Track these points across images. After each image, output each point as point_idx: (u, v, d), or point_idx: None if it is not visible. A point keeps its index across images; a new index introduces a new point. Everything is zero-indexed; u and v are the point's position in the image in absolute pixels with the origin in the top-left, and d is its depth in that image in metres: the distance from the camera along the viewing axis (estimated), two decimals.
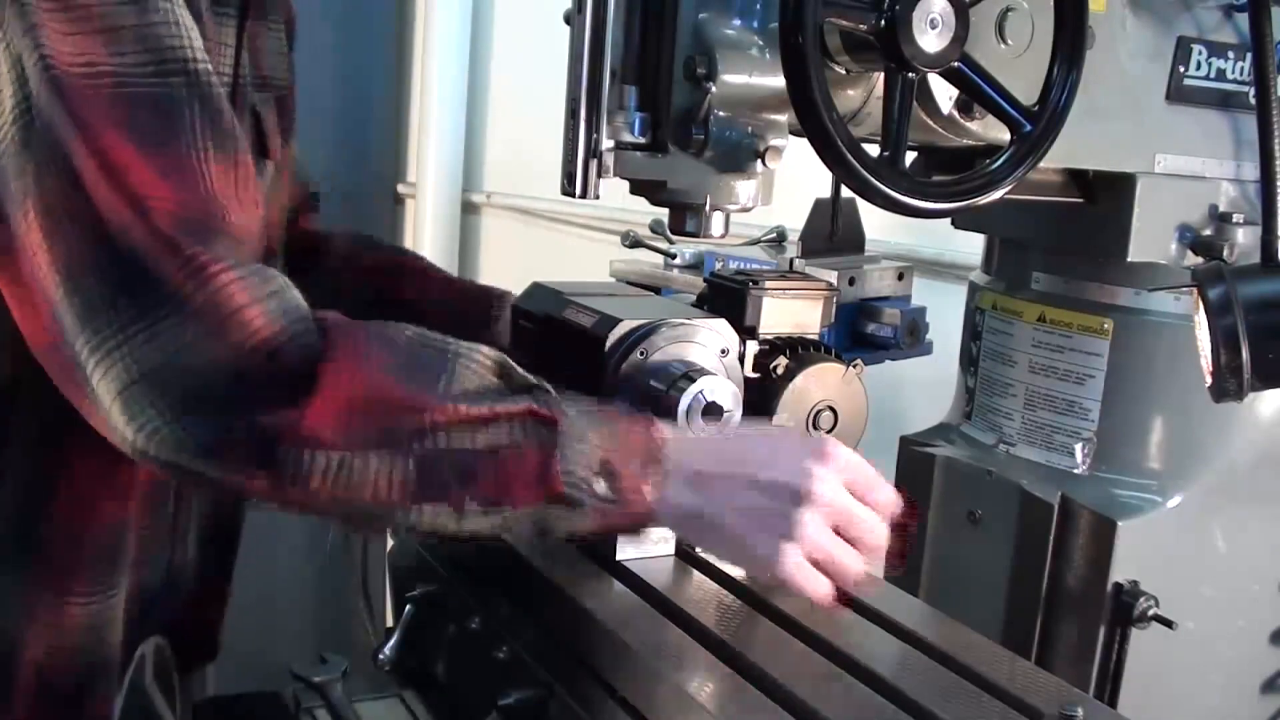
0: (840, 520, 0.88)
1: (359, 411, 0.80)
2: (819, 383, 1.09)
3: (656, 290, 1.51)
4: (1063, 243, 1.23)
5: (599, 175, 0.99)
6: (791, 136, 1.03)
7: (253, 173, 0.89)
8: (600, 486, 0.84)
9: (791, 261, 1.31)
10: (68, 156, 0.81)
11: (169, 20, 0.84)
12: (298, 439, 0.80)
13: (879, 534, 0.89)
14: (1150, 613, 1.13)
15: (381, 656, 1.18)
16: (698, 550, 1.03)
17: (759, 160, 1.02)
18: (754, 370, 1.09)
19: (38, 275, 0.82)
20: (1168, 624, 1.13)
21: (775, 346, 1.10)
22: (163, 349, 0.79)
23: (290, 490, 0.81)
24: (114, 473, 0.98)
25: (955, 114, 1.03)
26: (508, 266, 3.25)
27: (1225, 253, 1.12)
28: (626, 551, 1.05)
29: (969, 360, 1.35)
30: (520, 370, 0.87)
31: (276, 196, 1.14)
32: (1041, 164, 0.99)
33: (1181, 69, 1.11)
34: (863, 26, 0.92)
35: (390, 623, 1.20)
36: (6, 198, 0.83)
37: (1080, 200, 1.17)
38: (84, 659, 1.00)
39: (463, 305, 1.31)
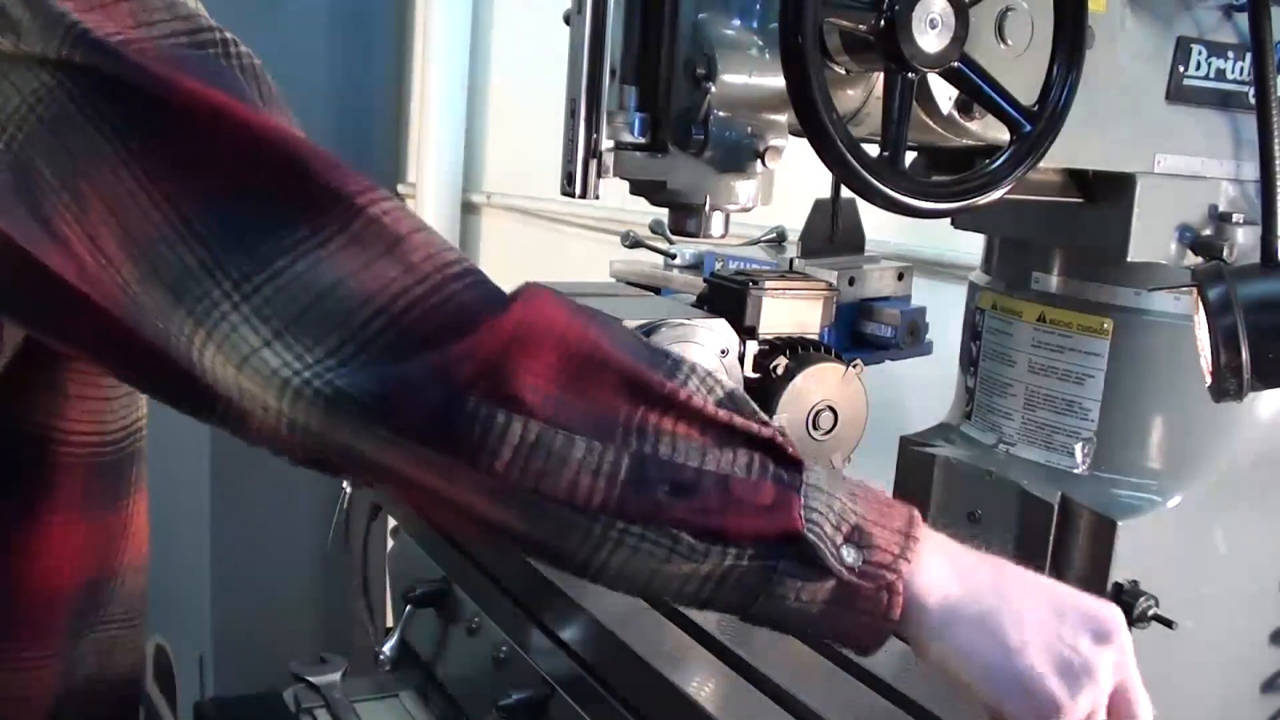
0: (1121, 696, 0.71)
1: (570, 371, 0.63)
2: (819, 383, 1.09)
3: (656, 290, 1.51)
4: (1062, 243, 1.23)
5: (599, 175, 0.99)
6: (791, 136, 1.03)
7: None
8: (849, 554, 0.65)
9: (791, 262, 1.31)
10: (150, 105, 0.66)
11: None
12: (492, 390, 0.62)
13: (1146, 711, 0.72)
14: (1150, 613, 1.13)
15: (382, 656, 1.18)
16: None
17: (759, 160, 1.02)
18: (754, 370, 1.09)
19: (107, 250, 0.66)
20: (1168, 624, 1.13)
21: (775, 346, 1.10)
22: (314, 283, 0.63)
23: (471, 470, 0.62)
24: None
25: (955, 114, 1.03)
26: (507, 267, 3.25)
27: (1225, 253, 1.12)
28: None
29: (969, 360, 1.35)
30: (751, 401, 0.70)
31: None
32: (1041, 164, 0.99)
33: (1181, 69, 1.11)
34: (862, 26, 0.92)
35: (390, 623, 1.20)
36: (39, 188, 0.67)
37: (1080, 200, 1.17)
38: None
39: None
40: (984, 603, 0.68)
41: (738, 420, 0.66)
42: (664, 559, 0.64)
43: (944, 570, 0.68)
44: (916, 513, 0.69)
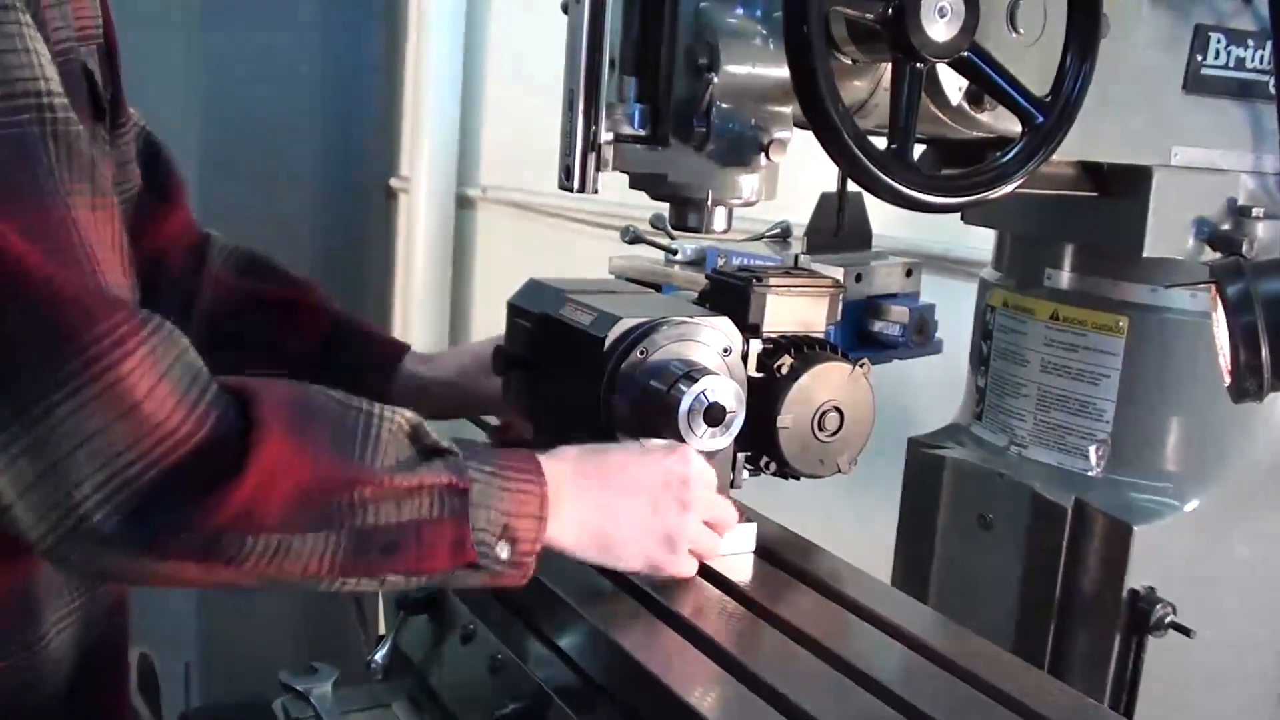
0: (708, 515, 1.01)
1: (304, 493, 0.82)
2: (825, 382, 1.09)
3: (657, 287, 1.51)
4: (1076, 238, 1.23)
5: (597, 169, 0.99)
6: (796, 129, 1.03)
7: (116, 212, 0.86)
8: (503, 551, 0.90)
9: (796, 258, 1.31)
10: None
11: (18, 48, 0.78)
12: (241, 525, 0.80)
13: (730, 516, 1.04)
14: (1167, 620, 1.13)
15: (374, 665, 1.18)
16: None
17: (763, 153, 1.02)
18: (757, 370, 1.09)
19: None
20: (1185, 632, 1.13)
21: (779, 345, 1.10)
22: (66, 440, 0.77)
23: (222, 573, 0.82)
24: None
25: (965, 105, 1.03)
26: (503, 263, 3.25)
27: (1244, 248, 1.12)
28: None
29: (979, 359, 1.35)
30: (431, 433, 0.90)
31: (119, 176, 1.10)
32: (1054, 157, 0.99)
33: (1199, 58, 1.11)
34: (869, 15, 0.92)
35: (383, 630, 1.20)
36: None
37: (1094, 194, 1.17)
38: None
39: (364, 356, 1.27)
40: (597, 527, 0.95)
41: (419, 479, 0.86)
42: (377, 588, 0.89)
43: (568, 521, 0.94)
44: (547, 489, 0.92)
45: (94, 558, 0.80)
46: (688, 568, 1.01)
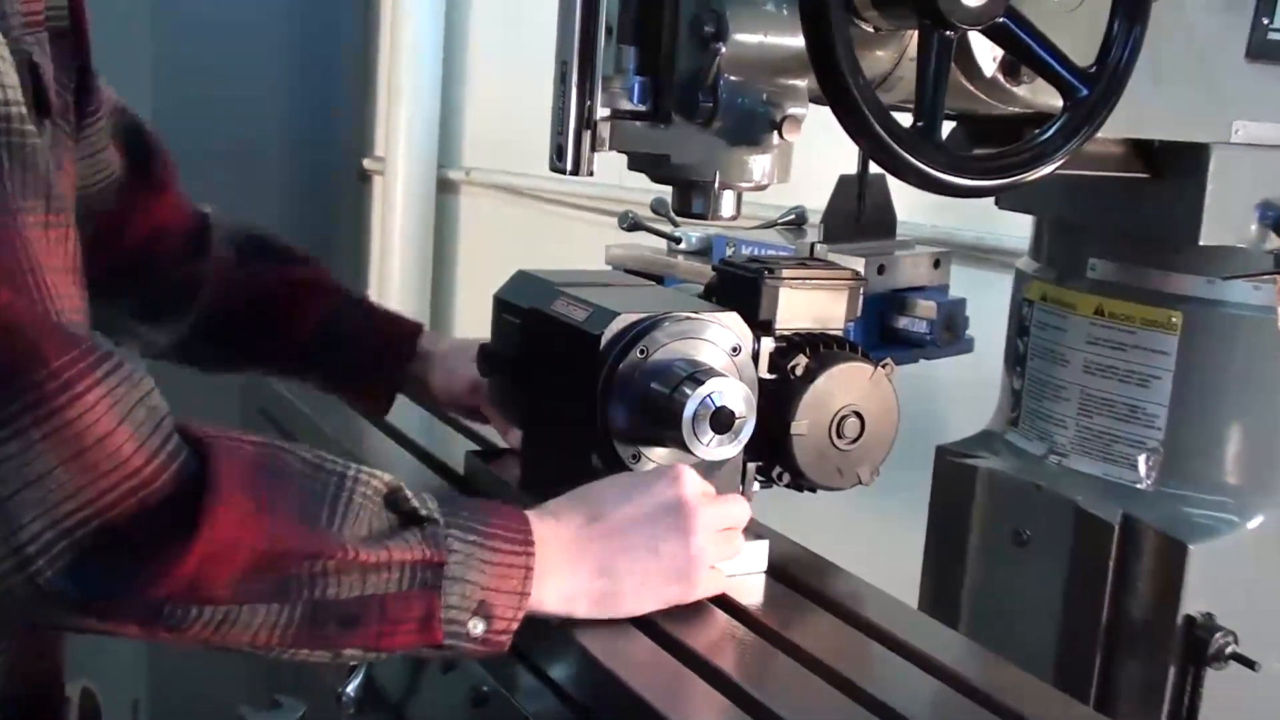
0: (717, 527, 1.01)
1: (258, 564, 0.83)
2: (843, 385, 1.09)
3: (659, 279, 1.51)
4: (1124, 224, 1.23)
5: (593, 149, 0.99)
6: (812, 104, 1.02)
7: (72, 231, 0.86)
8: (477, 629, 0.91)
9: (812, 247, 1.31)
10: None
11: None
12: (187, 595, 0.81)
13: (742, 513, 1.04)
14: (1228, 650, 1.13)
15: (345, 698, 1.17)
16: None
17: (775, 131, 1.02)
18: (769, 371, 1.09)
19: None
20: (1249, 664, 1.13)
21: (794, 344, 1.10)
22: (9, 482, 0.77)
23: (163, 636, 0.84)
24: None
25: (999, 77, 1.03)
26: (489, 252, 3.25)
27: None
28: None
29: (1015, 359, 1.34)
30: (410, 498, 0.90)
31: (87, 168, 1.11)
32: (1099, 134, 0.99)
33: (1265, 20, 1.10)
34: None
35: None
36: None
37: (1144, 175, 1.17)
38: None
39: (377, 340, 1.30)
40: (597, 591, 0.96)
41: (388, 554, 0.87)
42: (333, 661, 0.90)
43: (557, 591, 0.95)
44: (534, 559, 0.93)
45: (29, 608, 0.82)
46: (710, 587, 1.02)
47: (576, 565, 0.96)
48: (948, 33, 0.93)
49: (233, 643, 0.86)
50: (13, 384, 0.77)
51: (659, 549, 0.98)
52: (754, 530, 1.12)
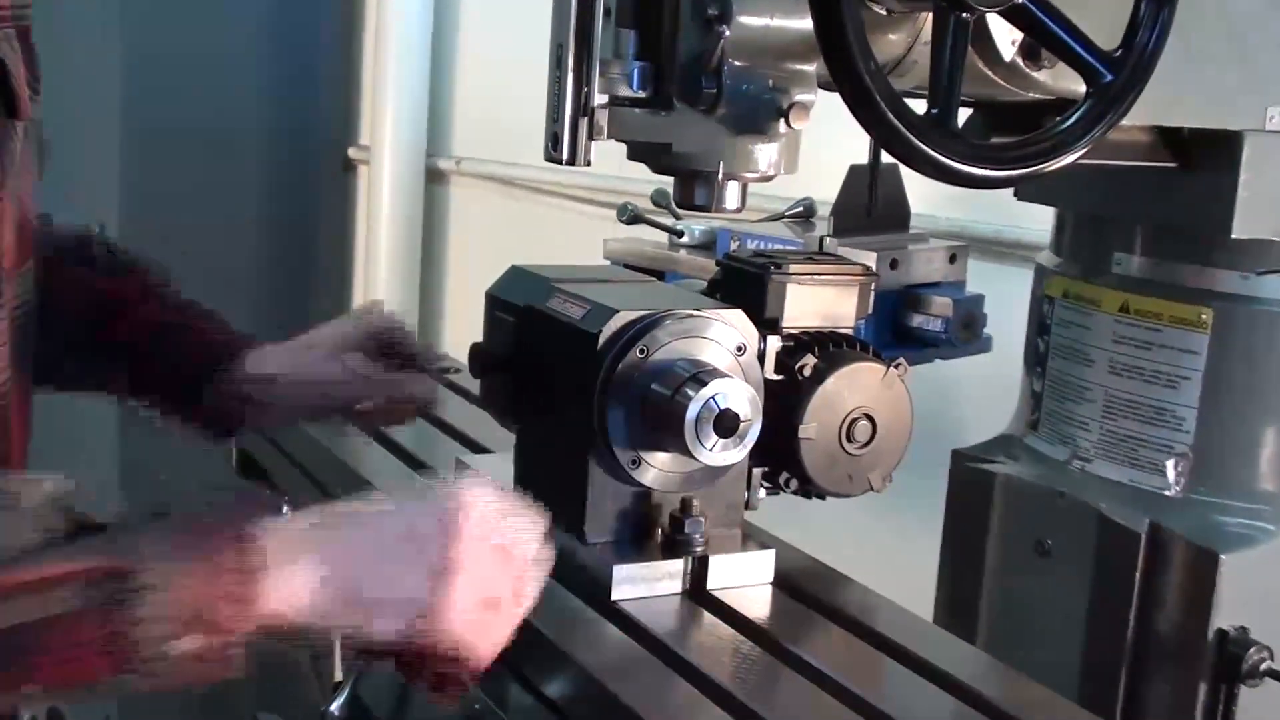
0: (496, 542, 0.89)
1: None
2: (854, 386, 1.09)
3: (660, 275, 1.51)
4: (1151, 217, 1.23)
5: (590, 137, 0.99)
6: (821, 90, 1.02)
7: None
8: (188, 644, 0.80)
9: (821, 241, 1.31)
10: None
11: None
12: None
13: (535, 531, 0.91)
14: (1263, 667, 1.13)
15: (328, 716, 1.17)
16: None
17: (782, 119, 1.02)
18: (776, 371, 1.09)
19: None
20: None
21: (801, 343, 1.10)
22: None
23: None
24: None
25: (1019, 61, 1.02)
26: (481, 247, 3.25)
27: None
28: (624, 590, 1.05)
29: (1035, 359, 1.34)
30: (87, 502, 0.84)
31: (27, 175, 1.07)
32: (1125, 121, 0.99)
33: None
34: None
35: (339, 675, 1.20)
36: None
37: (1173, 165, 1.17)
38: None
39: (189, 353, 1.24)
40: (345, 583, 0.84)
41: (53, 570, 0.78)
42: (26, 706, 0.82)
43: (299, 585, 0.83)
44: (254, 559, 0.82)
45: None
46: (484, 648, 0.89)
47: (307, 557, 0.85)
48: (964, 14, 0.93)
49: None
50: None
51: (414, 530, 0.87)
52: (759, 540, 1.13)
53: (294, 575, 0.83)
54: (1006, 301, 1.44)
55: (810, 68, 1.03)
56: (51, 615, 0.77)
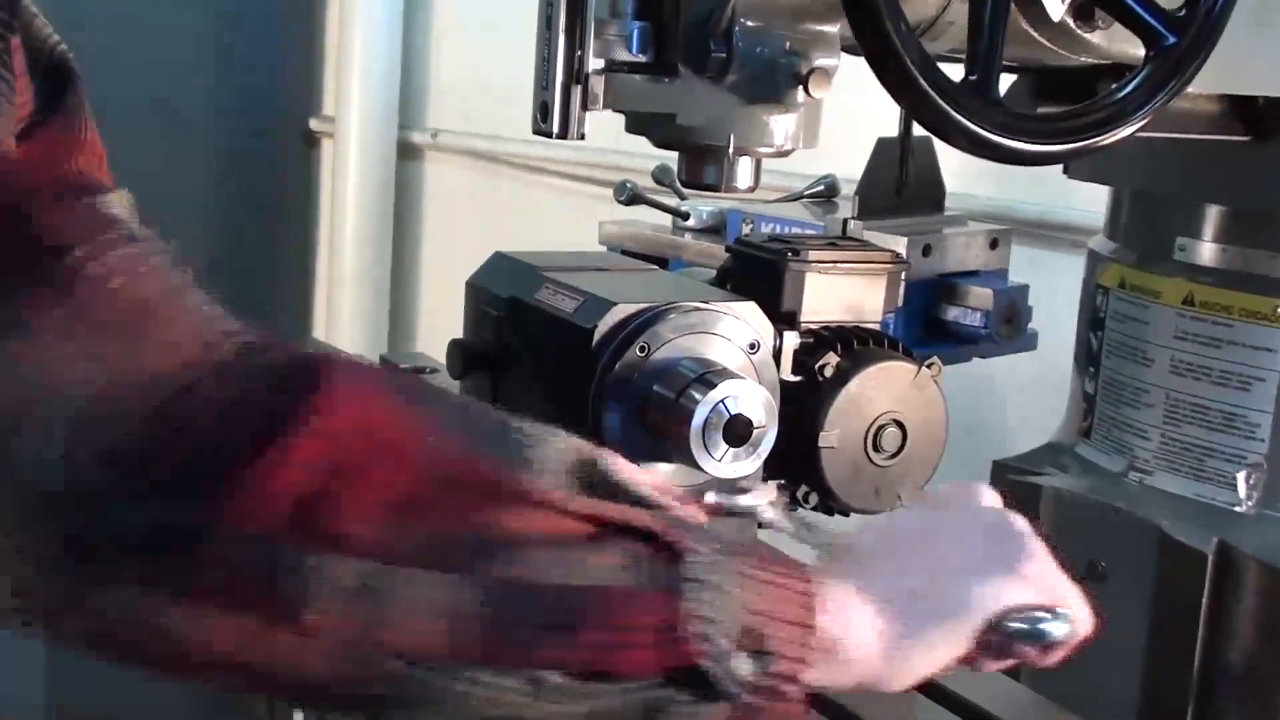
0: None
1: (405, 489, 0.67)
2: (882, 388, 1.09)
3: (663, 263, 1.51)
4: (1219, 196, 1.23)
5: (584, 107, 0.99)
6: (845, 54, 1.02)
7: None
8: (744, 666, 0.72)
9: (845, 224, 1.31)
10: None
11: None
12: (310, 531, 0.64)
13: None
14: None
15: None
16: None
17: (800, 87, 1.02)
18: (794, 371, 1.09)
19: None
20: None
21: (823, 339, 1.10)
22: (31, 376, 0.63)
23: (279, 629, 0.64)
24: None
25: (1069, 22, 1.02)
26: (461, 229, 3.25)
27: None
28: None
29: (1088, 358, 1.34)
30: (618, 471, 0.76)
31: None
32: (1190, 89, 0.99)
33: None
34: None
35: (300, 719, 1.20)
36: None
37: (1244, 138, 1.17)
38: None
39: None
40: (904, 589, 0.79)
41: (603, 511, 0.72)
42: (526, 705, 0.69)
43: (857, 639, 0.77)
44: (812, 584, 0.76)
45: (56, 592, 0.64)
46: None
47: (874, 582, 0.79)
48: None
49: (384, 642, 0.65)
50: (33, 249, 0.65)
51: (988, 539, 0.85)
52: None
53: (847, 596, 0.78)
54: (1054, 292, 1.44)
55: (832, 28, 1.03)
56: (602, 582, 0.70)
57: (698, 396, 1.00)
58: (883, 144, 1.41)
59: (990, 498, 0.90)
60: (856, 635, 0.77)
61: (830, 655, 0.76)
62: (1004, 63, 0.95)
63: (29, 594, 0.65)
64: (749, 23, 1.00)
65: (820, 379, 1.08)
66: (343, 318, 3.34)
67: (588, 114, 0.99)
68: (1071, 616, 0.83)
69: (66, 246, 0.66)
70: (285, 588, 0.64)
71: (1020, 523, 0.86)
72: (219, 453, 0.64)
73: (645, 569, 0.71)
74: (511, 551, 0.68)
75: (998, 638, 0.82)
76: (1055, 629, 0.82)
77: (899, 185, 1.35)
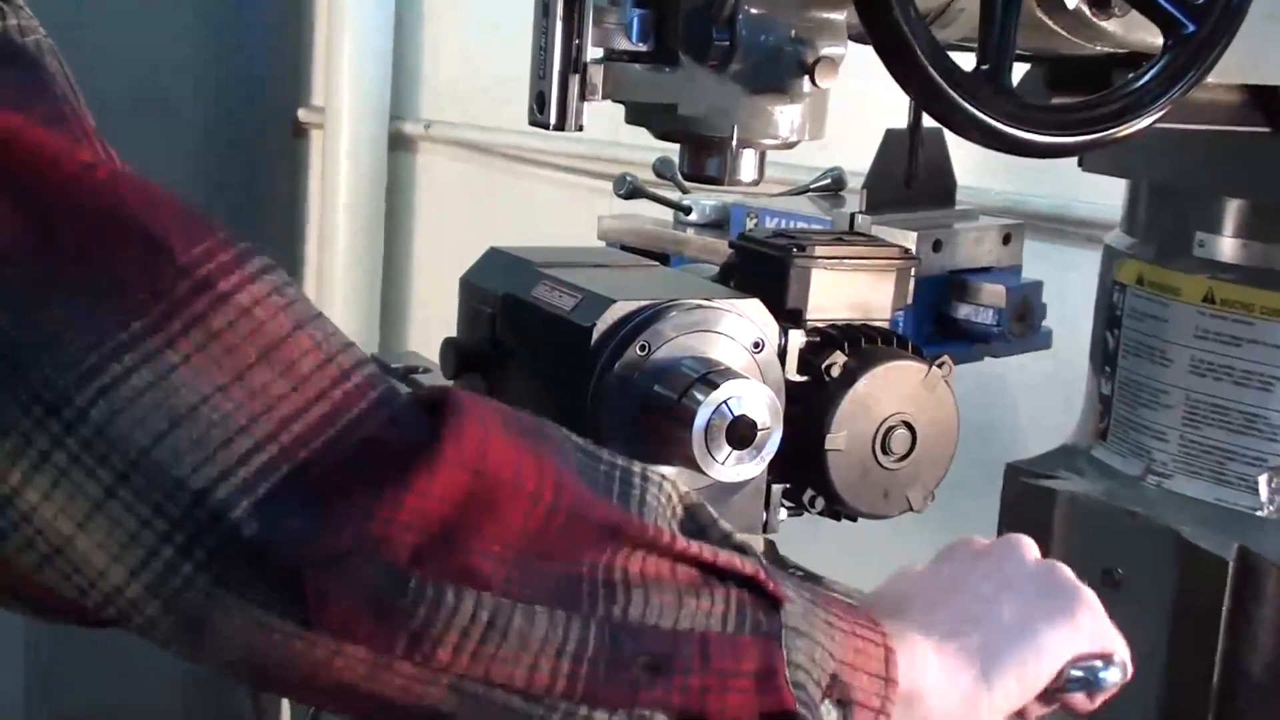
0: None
1: (533, 528, 0.69)
2: (890, 389, 1.09)
3: (663, 259, 1.51)
4: (1240, 190, 1.23)
5: (582, 97, 0.99)
6: (852, 42, 1.02)
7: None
8: (831, 715, 0.77)
9: (853, 218, 1.31)
10: None
11: None
12: (443, 564, 0.66)
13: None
14: None
15: None
16: None
17: (806, 76, 1.01)
18: (799, 372, 1.09)
19: None
20: None
21: (829, 338, 1.10)
22: (165, 401, 0.64)
23: (403, 662, 0.67)
24: None
25: (1084, 9, 1.02)
26: (455, 223, 3.25)
27: None
28: None
29: (1104, 357, 1.34)
30: (717, 518, 0.80)
31: None
32: (1210, 79, 0.98)
33: None
34: None
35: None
36: None
37: (1266, 129, 1.17)
38: None
39: None
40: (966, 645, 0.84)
41: (710, 556, 0.75)
42: None
43: (935, 691, 0.82)
44: (890, 639, 0.81)
45: (239, 592, 0.66)
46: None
47: (933, 623, 0.85)
48: None
49: (503, 678, 0.69)
50: (124, 293, 0.65)
51: (1039, 586, 0.90)
52: (780, 568, 1.12)
53: (925, 650, 0.83)
54: (1069, 289, 1.44)
55: (839, 15, 1.03)
56: (704, 627, 0.73)
57: (700, 397, 1.00)
58: (891, 135, 1.41)
59: (1032, 548, 0.93)
60: (934, 687, 0.82)
61: (909, 707, 0.81)
62: (1017, 51, 0.95)
63: (155, 623, 0.68)
64: (753, 9, 1.00)
65: (827, 379, 1.08)
66: (332, 315, 3.29)
67: (586, 104, 0.99)
68: (1123, 662, 0.90)
69: (205, 269, 0.67)
70: (415, 620, 0.66)
71: (1067, 571, 0.92)
72: (355, 483, 0.66)
73: (748, 615, 0.75)
74: (626, 593, 0.72)
75: (1055, 684, 0.87)
76: (1111, 676, 0.89)
77: (908, 178, 1.35)
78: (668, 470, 0.82)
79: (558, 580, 0.70)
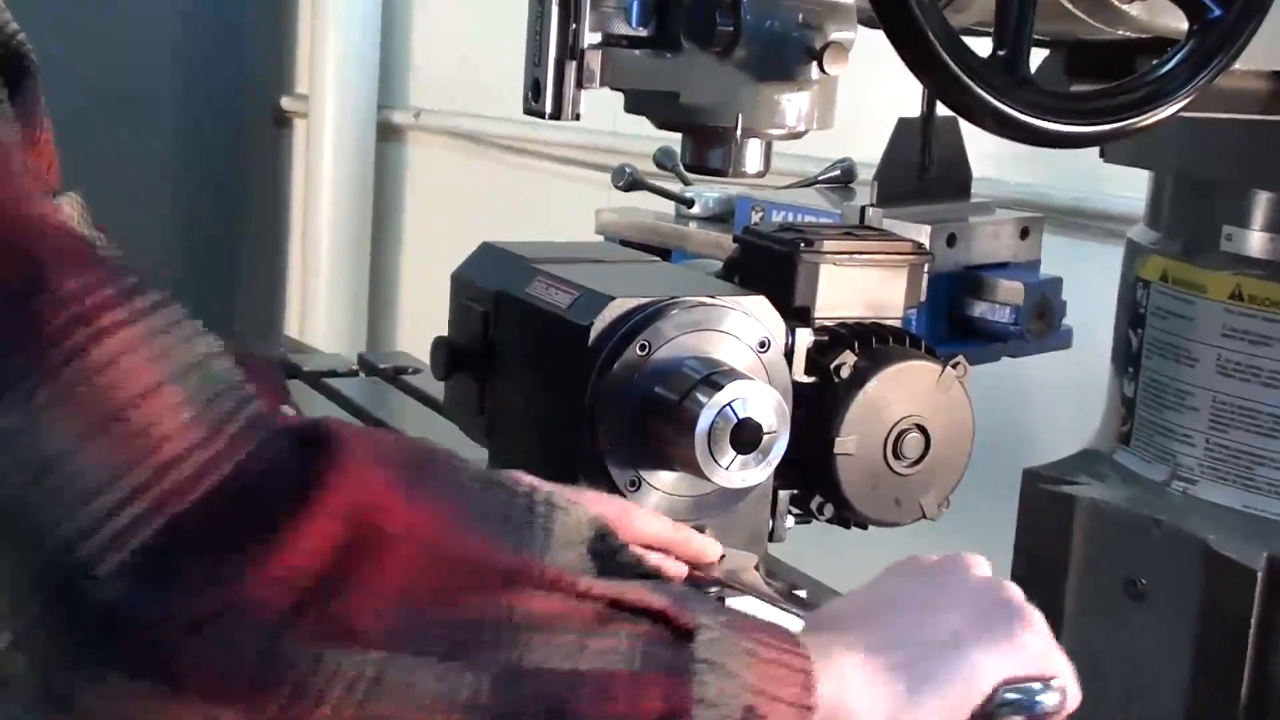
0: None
1: (417, 577, 0.69)
2: (903, 390, 1.09)
3: (665, 254, 1.51)
4: (1270, 182, 1.23)
5: (580, 85, 0.99)
6: (862, 27, 1.02)
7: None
8: None
9: (863, 211, 1.31)
10: None
11: None
12: (321, 624, 0.66)
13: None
14: None
15: None
16: None
17: (814, 63, 1.02)
18: (807, 372, 1.09)
19: None
20: None
21: (839, 337, 1.10)
22: (30, 450, 0.65)
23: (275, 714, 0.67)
24: None
25: None
26: (446, 217, 3.25)
27: None
28: None
29: (1127, 357, 1.35)
30: (627, 545, 0.81)
31: None
32: (1236, 66, 0.98)
33: None
34: None
35: None
36: None
37: None
38: None
39: None
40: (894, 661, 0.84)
41: (615, 592, 0.75)
42: None
43: (860, 712, 0.82)
44: (811, 661, 0.80)
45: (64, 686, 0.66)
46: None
47: (856, 644, 0.85)
48: None
49: None
50: (22, 316, 0.66)
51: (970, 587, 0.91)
52: (786, 579, 1.12)
53: (851, 669, 0.83)
54: (1091, 286, 1.44)
55: (849, 0, 1.03)
56: (606, 668, 0.73)
57: (703, 400, 1.00)
58: (904, 125, 1.41)
59: (981, 565, 0.94)
60: (858, 705, 0.81)
61: None
62: (1035, 37, 0.95)
63: (19, 684, 0.67)
64: None
65: (836, 380, 1.08)
66: (318, 314, 3.35)
67: (583, 92, 0.99)
68: (1063, 688, 0.88)
69: (78, 308, 0.67)
70: (293, 682, 0.66)
71: (1014, 589, 0.92)
72: (224, 541, 0.66)
73: (654, 652, 0.75)
74: (521, 637, 0.71)
75: (987, 706, 0.86)
76: (1047, 700, 0.87)
77: (922, 170, 1.35)
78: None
79: (448, 628, 0.70)
